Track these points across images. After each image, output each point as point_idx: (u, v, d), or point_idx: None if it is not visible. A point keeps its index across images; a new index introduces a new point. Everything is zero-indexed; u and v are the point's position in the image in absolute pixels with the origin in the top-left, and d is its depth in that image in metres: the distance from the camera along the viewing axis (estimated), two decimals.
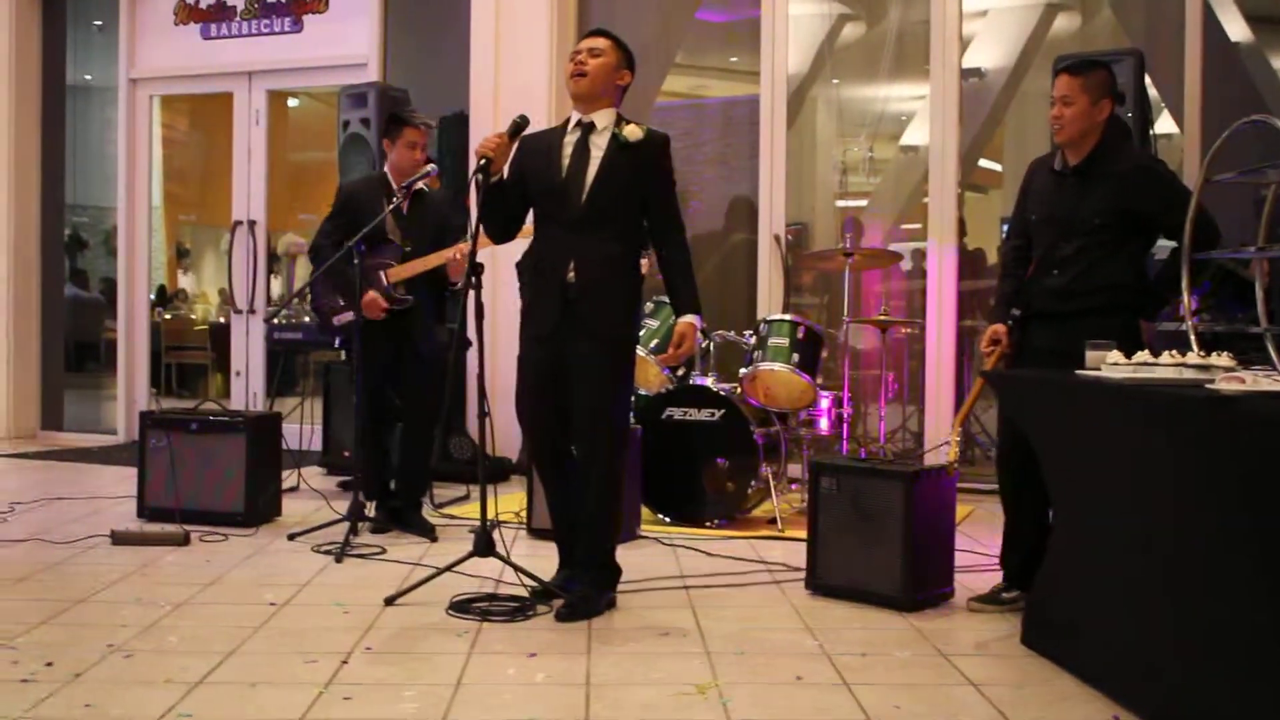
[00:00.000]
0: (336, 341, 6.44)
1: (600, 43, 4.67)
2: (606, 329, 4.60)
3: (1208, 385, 3.46)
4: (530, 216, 4.82)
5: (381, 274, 6.01)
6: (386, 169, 6.22)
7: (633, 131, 4.61)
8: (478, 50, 8.43)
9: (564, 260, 4.60)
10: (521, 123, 4.67)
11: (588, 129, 4.64)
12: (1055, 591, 4.15)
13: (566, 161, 4.62)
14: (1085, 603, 3.92)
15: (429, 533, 6.02)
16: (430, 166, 6.04)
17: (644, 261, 4.87)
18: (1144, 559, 3.59)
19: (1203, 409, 3.28)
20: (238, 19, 9.60)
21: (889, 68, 8.59)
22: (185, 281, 15.01)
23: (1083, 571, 4.00)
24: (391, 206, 5.97)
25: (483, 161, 4.55)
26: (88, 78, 10.96)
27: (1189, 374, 3.65)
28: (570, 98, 4.73)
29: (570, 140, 4.65)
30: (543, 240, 4.75)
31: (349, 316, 6.04)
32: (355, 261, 5.75)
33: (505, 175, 4.65)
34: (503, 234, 4.86)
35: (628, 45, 4.77)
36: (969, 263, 8.37)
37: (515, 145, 4.68)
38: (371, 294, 5.98)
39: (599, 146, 4.62)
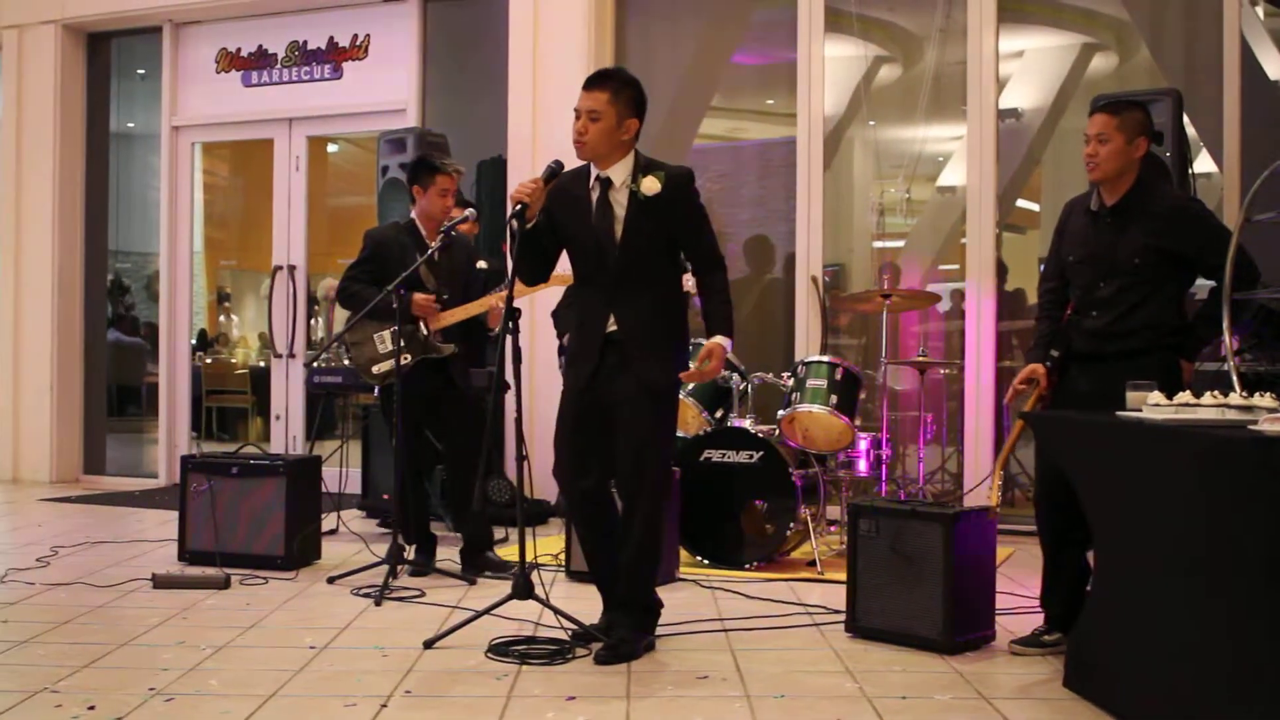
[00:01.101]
0: (376, 390, 6.44)
1: (598, 102, 4.56)
2: (649, 374, 4.59)
3: (1251, 426, 3.43)
4: (562, 263, 4.84)
5: (421, 323, 6.05)
6: (415, 216, 6.20)
7: (649, 185, 4.57)
8: (515, 95, 8.51)
9: (604, 315, 4.63)
10: (556, 168, 4.68)
11: (606, 184, 4.64)
12: (1098, 634, 4.11)
13: (593, 221, 4.61)
14: (1128, 645, 3.88)
15: (505, 568, 5.99)
16: (469, 211, 6.05)
17: (686, 279, 4.89)
18: (1187, 601, 3.56)
19: (1246, 450, 3.25)
20: (278, 66, 9.72)
21: (926, 109, 8.60)
22: (228, 325, 15.13)
23: (1125, 613, 3.96)
24: (432, 250, 5.95)
25: (518, 207, 4.57)
26: (131, 125, 11.11)
27: (1232, 415, 3.62)
28: None
29: (594, 197, 4.65)
30: (582, 297, 4.78)
31: (387, 365, 6.06)
32: (395, 305, 5.78)
33: (539, 220, 4.67)
34: (535, 277, 4.89)
35: (633, 80, 4.67)
36: (1008, 303, 8.34)
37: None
38: (421, 296, 5.99)
39: (620, 204, 4.62)
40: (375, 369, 6.16)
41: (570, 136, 4.64)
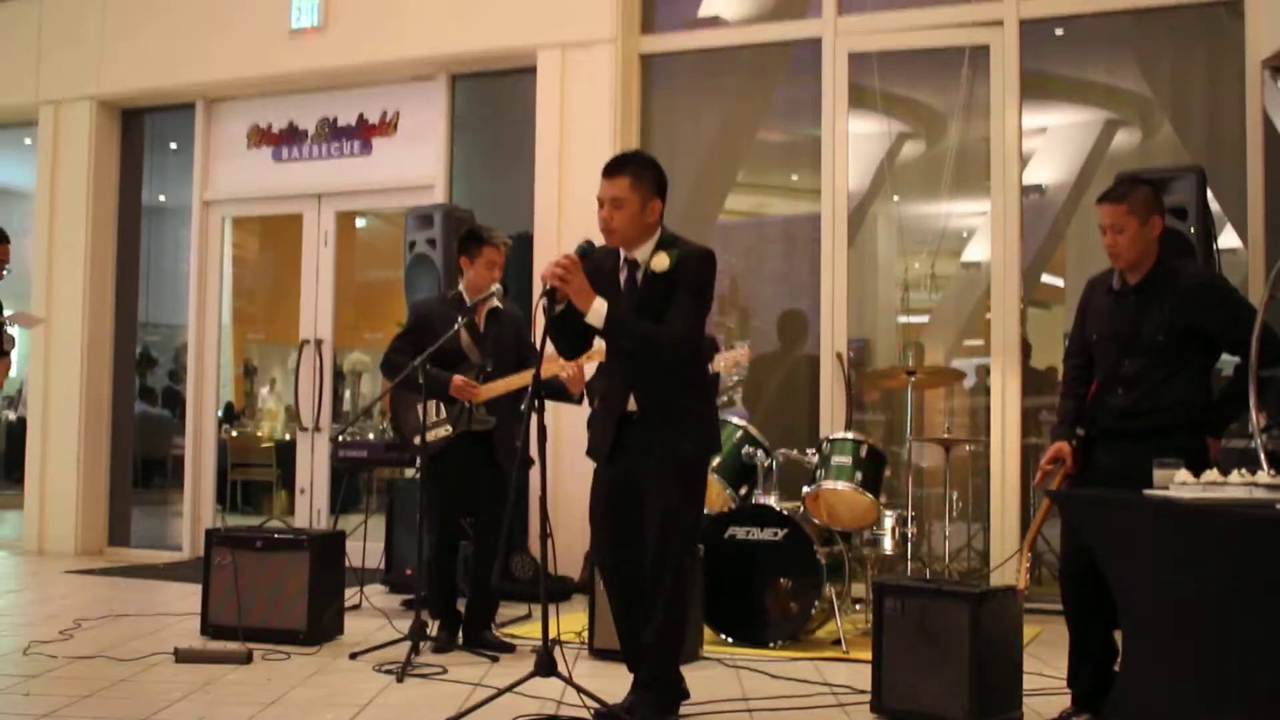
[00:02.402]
0: (416, 460, 6.45)
1: (620, 189, 4.59)
2: (672, 451, 4.62)
3: (1279, 504, 3.41)
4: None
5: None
6: (462, 288, 6.26)
7: (659, 262, 4.61)
8: (542, 172, 8.58)
9: (624, 393, 4.67)
10: (588, 248, 4.70)
11: (633, 266, 4.69)
12: (1126, 715, 4.06)
13: (621, 301, 4.63)
14: None
15: (505, 649, 6.02)
16: (495, 287, 6.10)
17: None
18: (1217, 682, 3.51)
19: (1276, 529, 3.22)
20: (308, 142, 9.83)
21: (949, 184, 8.64)
22: (269, 398, 15.16)
23: (1154, 695, 3.90)
24: (459, 325, 5.98)
25: (548, 289, 4.57)
26: (162, 199, 11.24)
27: (1260, 493, 3.59)
28: None
29: (622, 277, 4.70)
30: (608, 372, 4.84)
31: (431, 435, 6.08)
32: (420, 381, 5.81)
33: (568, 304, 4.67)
34: (574, 352, 4.92)
35: (652, 162, 4.72)
36: (1034, 380, 8.32)
37: None
38: (460, 379, 6.02)
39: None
40: (418, 439, 6.17)
41: (595, 212, 4.67)
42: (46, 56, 10.34)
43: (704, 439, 4.74)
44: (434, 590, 6.14)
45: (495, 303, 6.19)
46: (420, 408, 6.10)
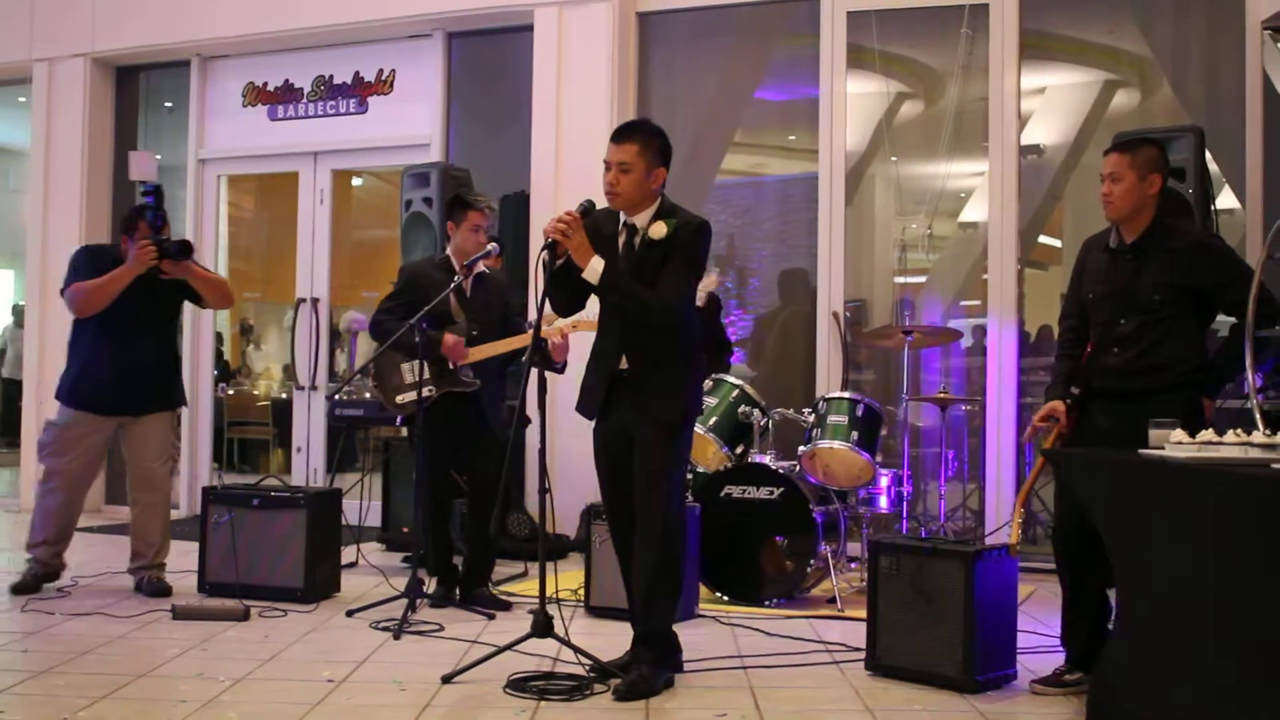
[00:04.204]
0: (399, 419, 6.47)
1: (628, 154, 4.63)
2: (660, 411, 4.66)
3: (1275, 465, 3.41)
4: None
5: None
6: (449, 252, 6.27)
7: (657, 229, 4.66)
8: (539, 131, 8.55)
9: (617, 353, 4.71)
10: (589, 206, 4.72)
11: (632, 230, 4.73)
12: (1119, 673, 4.08)
13: (618, 263, 4.67)
14: (1150, 685, 3.85)
15: (502, 607, 6.04)
16: (492, 246, 6.09)
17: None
18: (1211, 641, 3.53)
19: (1271, 489, 3.23)
20: (304, 100, 9.79)
21: (947, 145, 8.61)
22: (257, 357, 15.17)
23: (1147, 653, 3.92)
24: (453, 285, 6.01)
25: (549, 242, 4.60)
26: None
27: (1255, 453, 3.60)
28: None
29: (620, 241, 4.74)
30: (601, 333, 4.86)
31: (411, 396, 6.09)
32: (418, 339, 5.81)
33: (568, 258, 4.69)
34: (569, 310, 4.96)
35: (660, 131, 4.75)
36: (1031, 341, 8.32)
37: None
38: (452, 337, 6.03)
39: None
40: (399, 399, 6.24)
41: (593, 171, 4.69)
42: (40, 14, 10.27)
43: (688, 404, 4.80)
44: (430, 548, 6.17)
45: (481, 267, 6.20)
46: (405, 368, 6.17)
